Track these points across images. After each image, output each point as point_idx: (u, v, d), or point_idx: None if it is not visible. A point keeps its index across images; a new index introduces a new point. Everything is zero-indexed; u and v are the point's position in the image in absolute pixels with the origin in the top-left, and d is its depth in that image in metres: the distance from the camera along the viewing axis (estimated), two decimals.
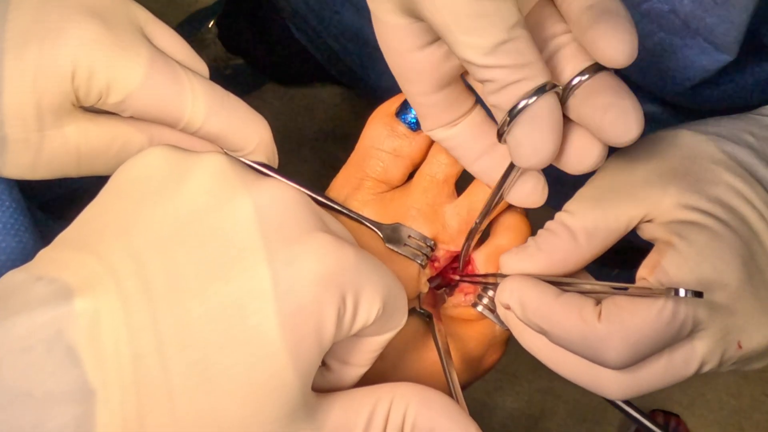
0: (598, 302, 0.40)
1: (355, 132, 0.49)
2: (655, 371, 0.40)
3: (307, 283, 0.32)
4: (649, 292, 0.38)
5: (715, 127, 0.45)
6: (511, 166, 0.42)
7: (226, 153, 0.43)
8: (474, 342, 0.47)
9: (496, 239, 0.48)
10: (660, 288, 0.38)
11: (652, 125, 0.63)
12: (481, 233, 0.47)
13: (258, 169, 0.44)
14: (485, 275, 0.47)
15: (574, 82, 0.38)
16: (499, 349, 0.48)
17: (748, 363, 0.42)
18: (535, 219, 0.48)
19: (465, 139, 0.44)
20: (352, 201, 0.47)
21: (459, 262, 0.48)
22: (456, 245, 0.47)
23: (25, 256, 0.43)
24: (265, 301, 0.32)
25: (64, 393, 0.30)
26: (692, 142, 0.44)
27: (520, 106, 0.35)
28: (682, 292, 0.36)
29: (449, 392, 0.41)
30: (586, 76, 0.38)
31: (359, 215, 0.46)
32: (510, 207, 0.47)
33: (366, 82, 0.81)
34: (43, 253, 0.34)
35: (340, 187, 0.48)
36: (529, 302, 0.41)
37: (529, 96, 0.35)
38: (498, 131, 0.37)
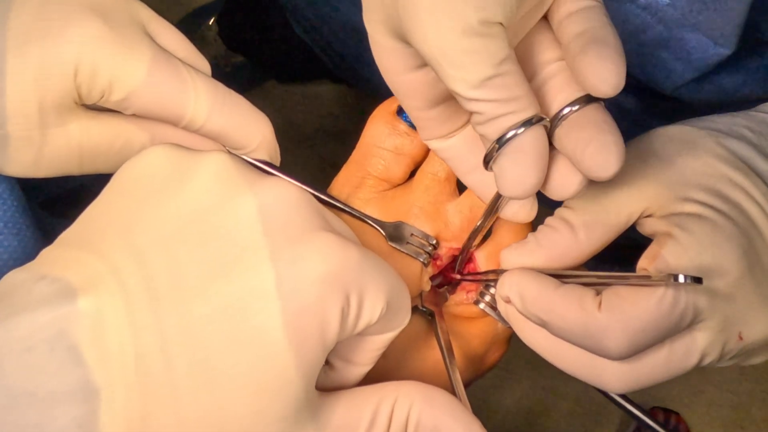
0: (599, 293, 0.40)
1: (355, 129, 0.49)
2: (655, 363, 0.40)
3: (311, 282, 0.32)
4: (649, 281, 0.38)
5: (713, 123, 0.45)
6: None
7: (228, 151, 0.43)
8: (476, 340, 0.47)
9: (497, 238, 0.48)
10: (660, 276, 0.38)
11: (652, 122, 0.63)
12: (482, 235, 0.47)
13: (261, 168, 0.44)
14: (486, 272, 0.47)
15: (564, 112, 0.38)
16: (501, 347, 0.48)
17: (748, 357, 0.42)
18: (536, 217, 0.48)
19: (459, 152, 0.45)
20: (354, 199, 0.47)
21: (458, 263, 0.48)
22: (458, 243, 0.47)
23: (27, 254, 0.43)
24: (269, 301, 0.32)
25: (67, 393, 0.30)
26: (691, 137, 0.44)
27: (508, 136, 0.36)
28: (681, 278, 0.36)
29: (452, 390, 0.41)
30: (576, 107, 0.38)
31: (362, 213, 0.46)
32: None
33: (365, 78, 0.81)
34: (46, 252, 0.34)
35: (341, 185, 0.48)
36: (529, 294, 0.41)
37: (516, 127, 0.36)
38: (485, 158, 0.37)
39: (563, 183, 0.39)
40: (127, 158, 0.36)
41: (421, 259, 0.46)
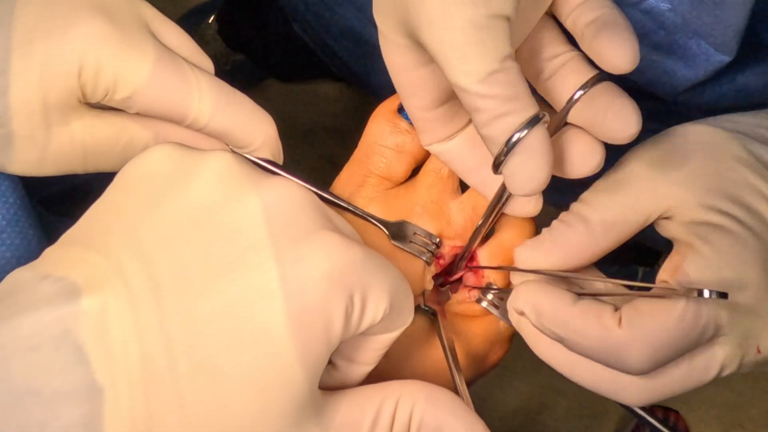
0: (615, 306, 0.40)
1: (356, 128, 0.49)
2: (674, 377, 0.40)
3: (316, 281, 0.32)
4: (672, 293, 0.38)
5: (737, 124, 0.44)
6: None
7: (232, 150, 0.43)
8: (479, 338, 0.47)
9: (500, 235, 0.48)
10: (683, 289, 0.38)
11: (654, 124, 0.63)
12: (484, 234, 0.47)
13: (264, 167, 0.44)
14: (498, 267, 0.47)
15: (576, 96, 0.40)
16: (503, 346, 0.48)
17: (764, 366, 0.42)
18: (540, 214, 0.48)
19: (461, 153, 0.45)
20: (356, 198, 0.47)
21: (461, 261, 0.48)
22: (461, 241, 0.47)
23: (30, 252, 0.43)
24: (273, 300, 0.32)
25: (71, 392, 0.30)
26: (715, 138, 0.43)
27: (514, 139, 0.36)
28: (706, 293, 0.36)
29: (454, 390, 0.41)
30: (588, 88, 0.40)
31: (365, 212, 0.46)
32: None
33: (365, 81, 0.81)
34: (49, 251, 0.34)
35: (343, 184, 0.48)
36: (545, 309, 0.40)
37: (521, 129, 0.36)
38: (494, 163, 0.37)
39: (584, 159, 0.41)
40: (131, 157, 0.36)
41: (424, 258, 0.47)
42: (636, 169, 0.43)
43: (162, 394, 0.31)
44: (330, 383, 0.37)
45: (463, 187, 0.48)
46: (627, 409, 0.44)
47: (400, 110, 0.48)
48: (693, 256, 0.40)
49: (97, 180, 0.38)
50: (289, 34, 0.94)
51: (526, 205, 0.44)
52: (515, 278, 0.45)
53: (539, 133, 0.36)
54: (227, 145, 0.44)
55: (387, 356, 0.39)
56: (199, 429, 0.32)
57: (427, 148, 0.46)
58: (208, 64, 0.44)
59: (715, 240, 0.40)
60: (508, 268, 0.45)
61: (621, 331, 0.38)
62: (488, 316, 0.47)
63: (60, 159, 0.41)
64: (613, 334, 0.38)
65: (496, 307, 0.47)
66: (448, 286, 0.49)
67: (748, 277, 0.40)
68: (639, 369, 0.38)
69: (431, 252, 0.47)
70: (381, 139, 0.47)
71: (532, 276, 0.43)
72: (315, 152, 1.12)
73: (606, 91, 0.40)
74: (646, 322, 0.38)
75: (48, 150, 0.40)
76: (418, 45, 0.39)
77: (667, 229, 0.42)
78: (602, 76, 0.41)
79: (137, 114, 0.42)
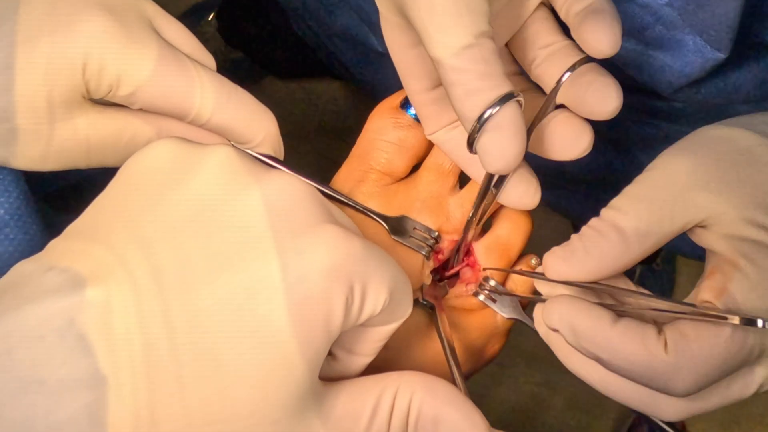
0: (659, 328, 0.38)
1: (355, 125, 0.50)
2: (713, 395, 0.39)
3: (317, 273, 0.32)
4: (723, 321, 0.37)
5: (765, 126, 0.43)
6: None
7: (233, 145, 0.43)
8: (476, 332, 0.48)
9: (496, 230, 0.48)
10: (734, 316, 0.36)
11: (653, 123, 0.63)
12: (479, 226, 0.47)
13: (265, 162, 0.45)
14: (529, 273, 0.46)
15: (565, 77, 0.42)
16: (501, 339, 0.49)
17: None
18: (536, 213, 0.49)
19: (461, 142, 0.45)
20: (356, 193, 0.48)
21: (457, 254, 0.48)
22: (459, 236, 0.48)
23: (32, 247, 0.43)
24: (275, 291, 0.32)
25: (76, 381, 0.31)
26: (751, 144, 0.41)
27: (486, 115, 0.36)
28: (760, 323, 0.35)
29: (452, 382, 0.42)
30: (575, 70, 0.42)
31: (365, 207, 0.47)
32: None
33: (364, 83, 0.82)
34: (54, 244, 0.35)
35: (343, 180, 0.49)
36: (583, 330, 0.39)
37: (492, 105, 0.36)
38: (468, 140, 0.37)
39: (571, 143, 0.42)
40: (134, 152, 0.36)
41: (423, 253, 0.47)
42: (672, 175, 0.41)
43: (164, 383, 0.31)
44: (330, 374, 0.38)
45: (462, 183, 0.48)
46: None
47: (403, 105, 0.48)
48: (739, 277, 0.38)
49: (99, 176, 0.39)
50: (289, 32, 0.94)
51: (523, 197, 0.44)
52: (542, 287, 0.43)
53: (511, 109, 0.36)
54: (229, 140, 0.44)
55: (386, 348, 0.39)
56: (201, 418, 0.32)
57: (430, 137, 0.46)
58: (210, 60, 0.45)
59: (760, 260, 0.38)
60: (533, 275, 0.43)
61: (667, 357, 0.37)
62: (485, 309, 0.48)
63: (63, 154, 0.41)
64: (658, 359, 0.37)
65: (493, 300, 0.47)
66: (445, 280, 0.50)
67: None
68: (684, 393, 0.38)
69: (430, 246, 0.47)
70: (383, 133, 0.48)
71: (561, 287, 0.42)
72: (314, 150, 1.12)
73: (590, 71, 0.42)
74: (694, 348, 0.37)
75: (52, 145, 0.41)
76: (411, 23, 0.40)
77: (703, 239, 0.41)
78: (589, 59, 0.42)
79: (140, 110, 0.42)
